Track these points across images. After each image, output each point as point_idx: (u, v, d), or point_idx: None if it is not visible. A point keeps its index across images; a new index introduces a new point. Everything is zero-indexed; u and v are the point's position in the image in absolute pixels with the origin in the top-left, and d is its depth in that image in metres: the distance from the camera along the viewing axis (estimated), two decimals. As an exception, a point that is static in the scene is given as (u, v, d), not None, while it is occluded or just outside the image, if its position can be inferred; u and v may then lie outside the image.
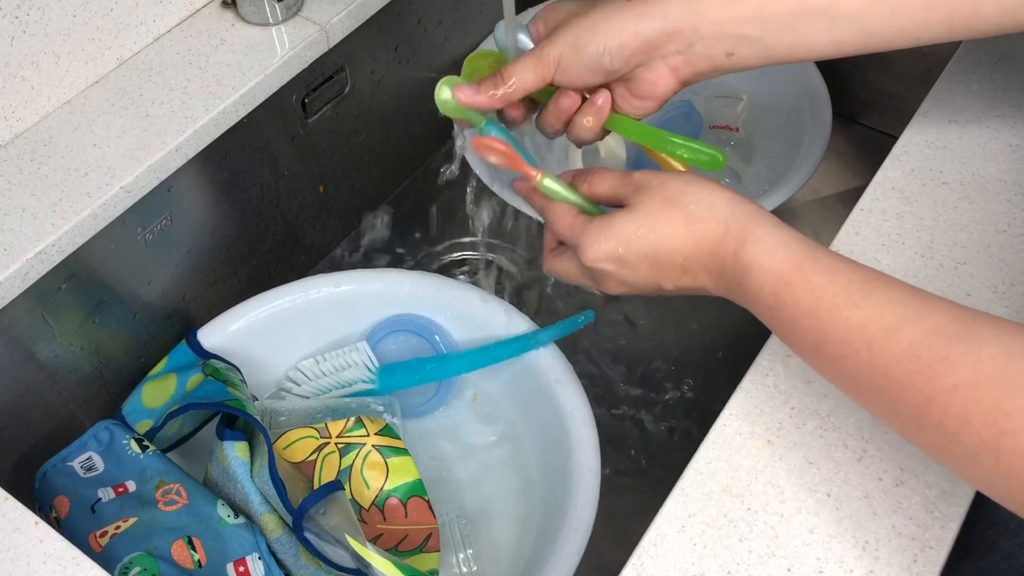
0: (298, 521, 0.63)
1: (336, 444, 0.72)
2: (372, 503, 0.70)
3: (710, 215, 0.51)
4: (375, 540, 0.69)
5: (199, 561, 0.62)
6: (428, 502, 0.71)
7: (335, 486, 0.66)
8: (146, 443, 0.70)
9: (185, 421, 0.74)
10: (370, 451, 0.72)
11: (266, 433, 0.66)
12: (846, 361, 0.45)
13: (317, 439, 0.72)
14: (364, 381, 0.79)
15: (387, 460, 0.71)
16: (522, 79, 0.58)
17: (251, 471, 0.66)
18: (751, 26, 0.54)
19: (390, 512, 0.70)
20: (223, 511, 0.65)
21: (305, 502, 0.64)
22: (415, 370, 0.79)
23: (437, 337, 0.81)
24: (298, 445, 0.72)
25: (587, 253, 0.54)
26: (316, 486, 0.70)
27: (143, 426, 0.73)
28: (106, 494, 0.65)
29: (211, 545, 0.63)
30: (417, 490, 0.71)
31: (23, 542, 0.53)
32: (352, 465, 0.71)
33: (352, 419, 0.73)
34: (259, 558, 0.63)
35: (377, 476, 0.71)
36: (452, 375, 0.79)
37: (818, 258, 0.48)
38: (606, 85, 0.59)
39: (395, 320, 0.82)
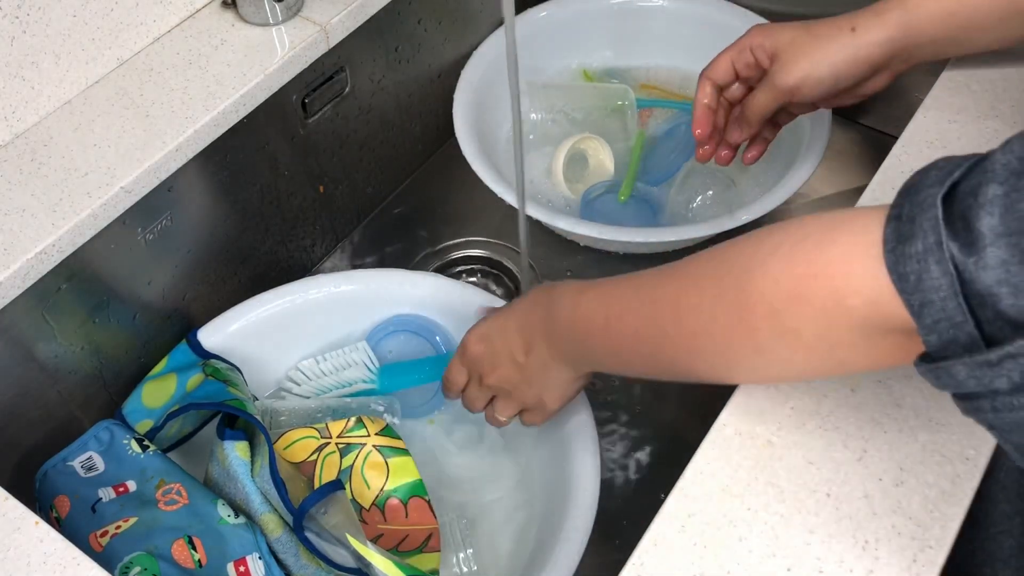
0: (299, 521, 0.63)
1: (337, 444, 0.72)
2: (373, 503, 0.70)
3: (535, 294, 0.64)
4: (376, 540, 0.69)
5: (199, 561, 0.62)
6: (429, 502, 0.71)
7: (335, 485, 0.66)
8: (146, 443, 0.70)
9: (185, 421, 0.74)
10: (371, 451, 0.71)
11: (267, 433, 0.66)
12: (626, 314, 0.54)
13: (318, 439, 0.72)
14: (364, 381, 0.79)
15: (387, 460, 0.71)
16: (764, 106, 0.72)
17: (252, 471, 0.66)
18: (961, 33, 0.63)
19: (391, 512, 0.70)
20: (223, 511, 0.65)
21: (306, 502, 0.64)
22: (415, 370, 0.79)
23: (438, 337, 0.81)
24: (299, 445, 0.72)
25: (468, 339, 0.66)
26: (316, 486, 0.70)
27: (143, 426, 0.73)
28: (106, 494, 0.65)
29: (211, 545, 0.63)
30: (418, 490, 0.71)
31: (23, 542, 0.53)
32: (353, 465, 0.71)
33: (353, 419, 0.73)
34: (259, 558, 0.63)
35: (377, 476, 0.71)
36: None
37: (598, 280, 0.59)
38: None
39: (395, 320, 0.82)
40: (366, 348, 0.80)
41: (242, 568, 0.62)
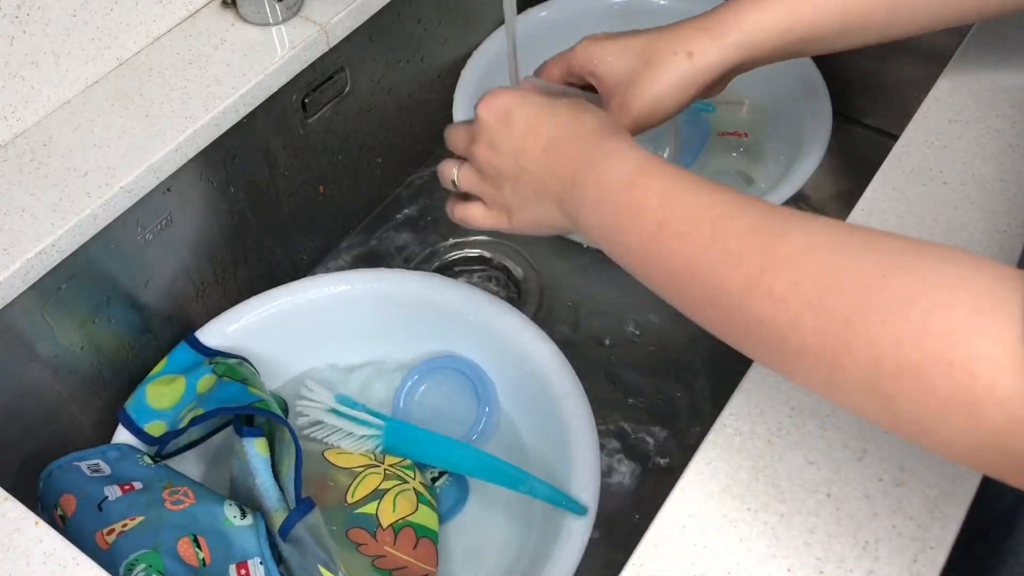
0: (279, 537, 0.63)
1: (385, 470, 0.73)
2: (391, 525, 0.71)
3: (595, 113, 0.55)
4: (376, 559, 0.69)
5: (204, 560, 0.62)
6: (437, 550, 0.71)
7: (310, 505, 0.65)
8: (156, 458, 0.70)
9: (206, 425, 0.74)
10: (411, 489, 0.73)
11: (293, 431, 0.66)
12: (687, 239, 0.46)
13: (369, 460, 0.74)
14: (371, 434, 0.77)
15: (420, 504, 0.72)
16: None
17: (275, 468, 0.66)
18: (798, 46, 0.60)
19: (402, 539, 0.71)
20: (230, 511, 0.65)
21: (286, 523, 0.64)
22: (423, 443, 0.76)
23: (478, 387, 0.80)
24: (350, 456, 0.74)
25: (484, 100, 0.57)
26: (349, 498, 0.71)
27: (154, 427, 0.73)
28: (112, 492, 0.65)
29: (216, 545, 0.63)
30: (432, 536, 0.72)
31: (23, 542, 0.53)
32: (390, 489, 0.72)
33: (409, 460, 0.75)
34: (260, 563, 0.63)
35: (405, 507, 0.72)
36: (454, 469, 0.76)
37: (671, 164, 0.50)
38: None
39: (443, 359, 0.81)
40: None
41: (243, 571, 0.62)
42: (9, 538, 0.53)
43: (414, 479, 0.74)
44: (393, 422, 0.77)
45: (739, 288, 0.43)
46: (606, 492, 0.68)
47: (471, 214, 0.61)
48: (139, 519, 0.63)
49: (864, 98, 1.03)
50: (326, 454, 0.74)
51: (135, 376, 0.77)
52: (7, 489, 0.56)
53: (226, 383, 0.71)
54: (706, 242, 0.45)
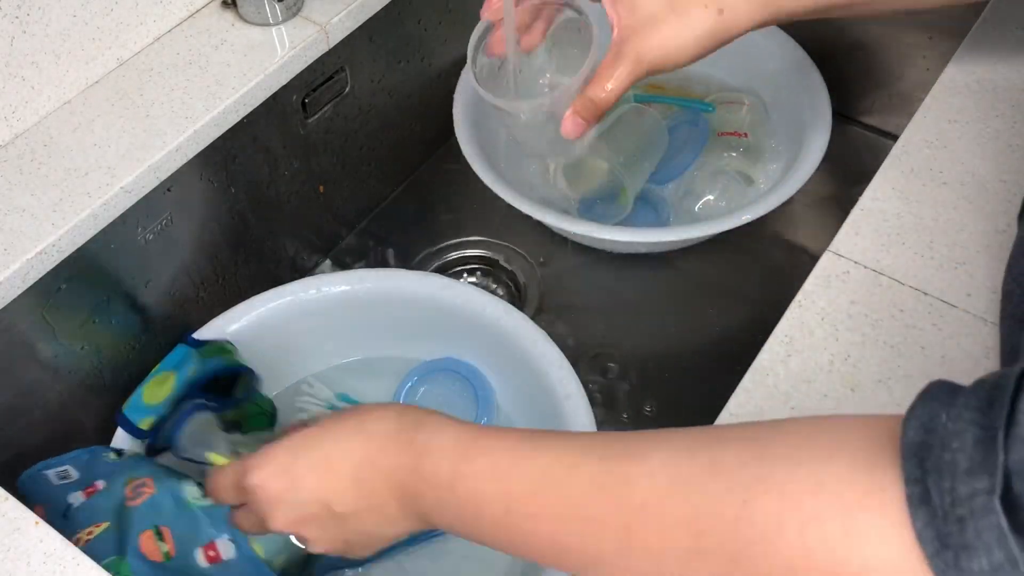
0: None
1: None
2: None
3: (380, 417, 0.49)
4: None
5: (167, 553, 0.61)
6: None
7: (198, 407, 0.65)
8: (123, 452, 0.70)
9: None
10: None
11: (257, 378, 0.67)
12: (540, 517, 0.42)
13: None
14: None
15: None
16: (624, 85, 0.59)
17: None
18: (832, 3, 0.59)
19: None
20: (190, 492, 0.64)
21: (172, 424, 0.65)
22: None
23: (478, 391, 0.80)
24: None
25: (253, 472, 0.49)
26: None
27: (146, 422, 0.72)
28: (76, 499, 0.64)
29: (180, 532, 0.62)
30: None
31: (23, 542, 0.53)
32: None
33: None
34: (230, 540, 0.61)
35: None
36: None
37: (486, 431, 0.46)
38: None
39: (442, 362, 0.81)
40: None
41: (211, 553, 0.61)
42: (9, 538, 0.53)
43: None
44: None
45: (614, 550, 0.40)
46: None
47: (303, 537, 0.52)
48: (104, 525, 0.62)
49: (864, 98, 1.03)
50: None
51: (135, 376, 0.77)
52: (7, 489, 0.56)
53: (207, 360, 0.72)
54: (560, 513, 0.42)
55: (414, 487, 0.46)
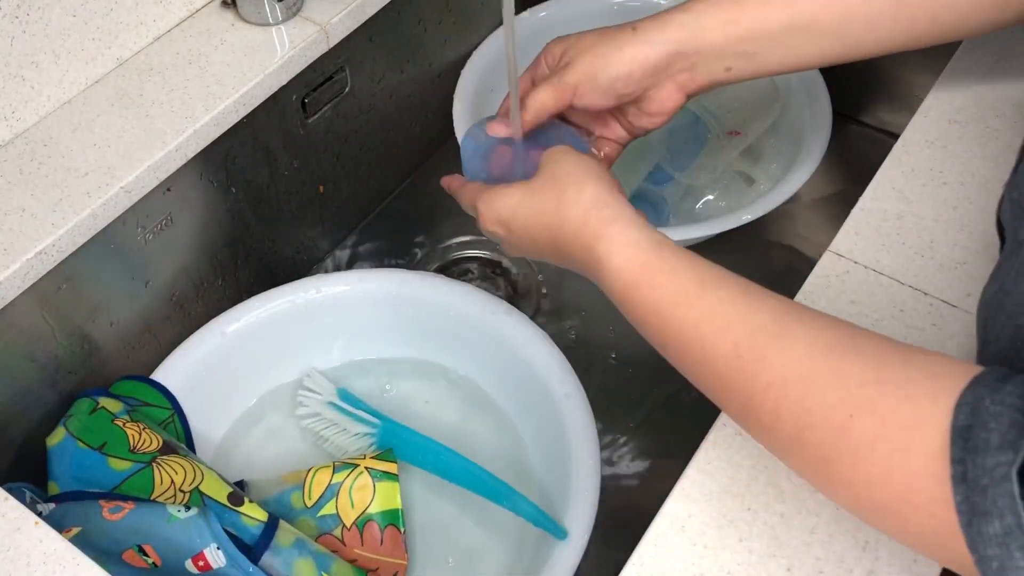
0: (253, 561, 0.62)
1: (334, 464, 0.72)
2: (354, 523, 0.70)
3: (576, 201, 0.55)
4: (352, 563, 0.69)
5: (153, 563, 0.60)
6: (404, 536, 0.71)
7: (275, 523, 0.65)
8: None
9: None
10: (362, 472, 0.72)
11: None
12: (686, 358, 0.50)
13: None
14: (366, 432, 0.78)
15: (376, 483, 0.71)
16: (544, 104, 0.63)
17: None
18: (746, 44, 0.60)
19: (368, 536, 0.70)
20: (172, 507, 0.62)
21: (258, 547, 0.63)
22: (416, 447, 0.76)
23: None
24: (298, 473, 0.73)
25: (481, 217, 0.60)
26: (307, 501, 0.71)
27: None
28: (46, 508, 0.63)
29: (164, 548, 0.60)
30: (394, 519, 0.71)
31: (23, 542, 0.53)
32: (342, 483, 0.71)
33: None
34: (218, 548, 0.61)
35: (362, 499, 0.71)
36: (443, 476, 0.75)
37: (663, 257, 0.51)
38: (619, 106, 0.64)
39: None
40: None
41: (201, 563, 0.60)
42: (9, 538, 0.53)
43: (365, 457, 0.73)
44: (389, 423, 0.77)
45: (735, 410, 0.48)
46: (606, 492, 0.68)
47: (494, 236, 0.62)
48: (75, 531, 0.61)
49: (864, 98, 1.03)
50: (283, 477, 0.73)
51: (135, 376, 0.77)
52: (7, 489, 0.56)
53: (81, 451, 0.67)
54: (701, 365, 0.49)
55: (597, 281, 0.55)
